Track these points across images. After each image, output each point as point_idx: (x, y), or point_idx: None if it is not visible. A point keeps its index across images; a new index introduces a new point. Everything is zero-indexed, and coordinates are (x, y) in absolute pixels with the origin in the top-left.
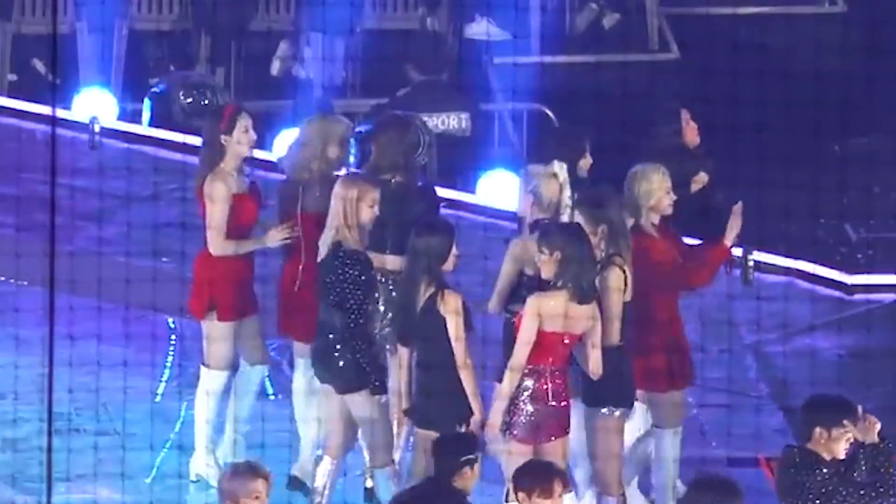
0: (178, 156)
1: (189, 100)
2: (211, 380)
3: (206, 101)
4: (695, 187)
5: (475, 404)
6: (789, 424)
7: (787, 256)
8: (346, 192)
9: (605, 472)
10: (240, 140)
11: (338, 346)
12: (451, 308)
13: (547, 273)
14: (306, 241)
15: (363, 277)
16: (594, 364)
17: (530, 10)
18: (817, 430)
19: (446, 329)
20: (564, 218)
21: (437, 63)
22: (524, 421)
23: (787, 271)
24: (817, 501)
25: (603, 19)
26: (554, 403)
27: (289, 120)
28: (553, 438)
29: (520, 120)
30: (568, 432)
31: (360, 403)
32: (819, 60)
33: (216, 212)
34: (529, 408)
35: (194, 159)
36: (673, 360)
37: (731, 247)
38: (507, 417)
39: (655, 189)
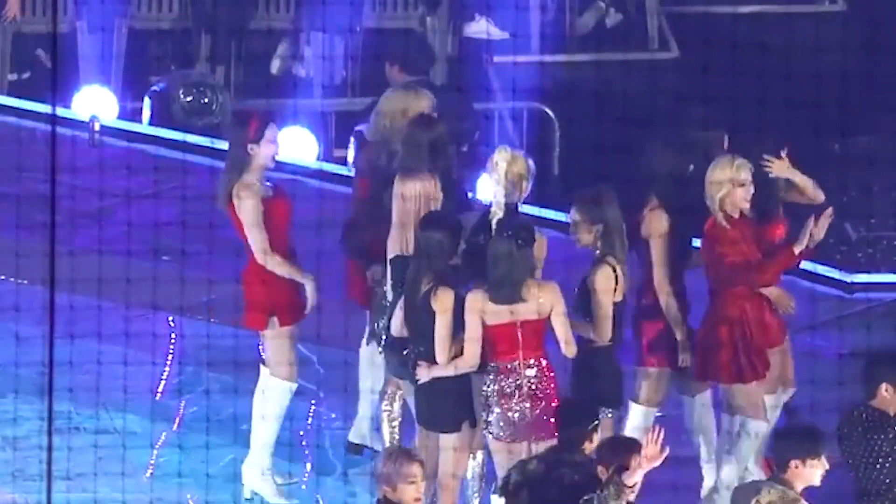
0: (178, 154)
1: (189, 98)
2: (280, 390)
3: (206, 100)
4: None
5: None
6: (789, 422)
7: None
8: (422, 189)
9: None
10: (267, 150)
11: None
12: (440, 305)
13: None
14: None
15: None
16: (564, 346)
17: (530, 9)
18: (883, 385)
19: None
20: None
21: (421, 62)
22: (499, 422)
23: (788, 270)
24: (889, 459)
25: (605, 18)
26: (534, 403)
27: (289, 118)
28: (538, 439)
29: (520, 119)
30: (553, 435)
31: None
32: (819, 59)
33: (256, 233)
34: (505, 406)
35: (194, 158)
36: (745, 354)
37: (801, 252)
38: (487, 416)
39: (726, 181)
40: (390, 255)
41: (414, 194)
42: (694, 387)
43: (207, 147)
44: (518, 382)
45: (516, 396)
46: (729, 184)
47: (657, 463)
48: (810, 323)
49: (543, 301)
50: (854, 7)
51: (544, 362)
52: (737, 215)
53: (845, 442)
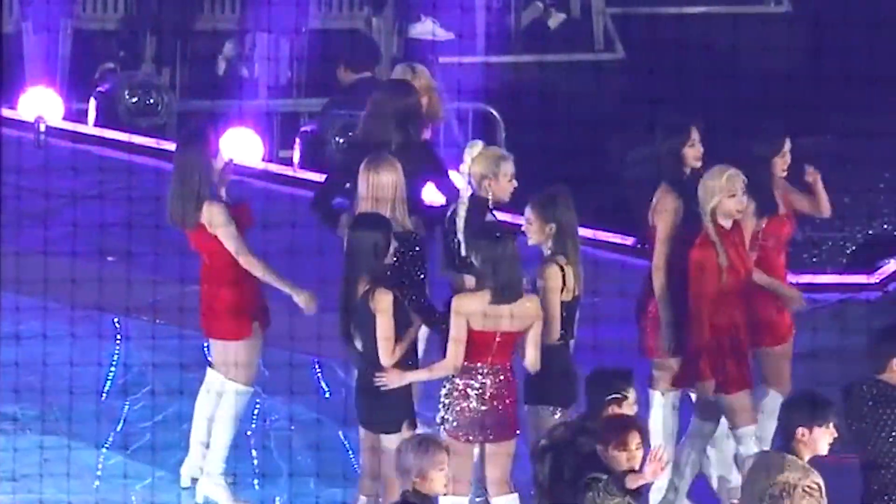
0: (123, 155)
1: (134, 99)
2: (241, 399)
3: (152, 101)
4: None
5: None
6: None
7: None
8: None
9: None
10: (223, 160)
11: None
12: (378, 306)
13: (476, 275)
14: None
15: None
16: (529, 361)
17: (475, 9)
18: (894, 360)
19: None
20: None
21: (366, 60)
22: (457, 419)
23: None
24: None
25: (548, 19)
26: (493, 404)
27: (234, 119)
28: (496, 439)
29: (465, 120)
30: (515, 434)
31: None
32: (764, 60)
33: (233, 239)
34: (464, 406)
35: (140, 159)
36: (733, 362)
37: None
38: (445, 414)
39: (718, 190)
40: None
41: (389, 182)
42: (662, 384)
43: (153, 148)
44: (481, 384)
45: (476, 398)
46: (720, 193)
47: (660, 476)
48: None
49: (526, 313)
50: (799, 8)
51: (509, 367)
52: (729, 225)
53: (853, 415)
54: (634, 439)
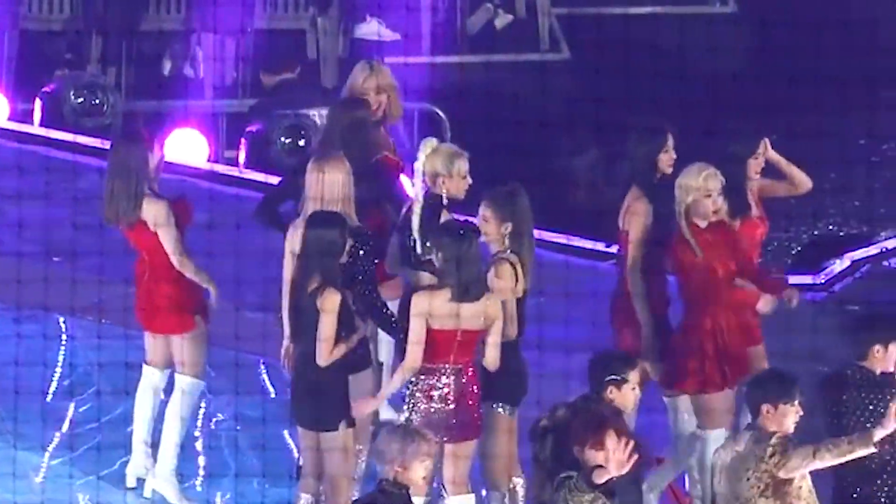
0: (69, 155)
1: (80, 100)
2: (194, 390)
3: (97, 101)
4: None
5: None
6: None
7: None
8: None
9: (493, 470)
10: (158, 156)
11: None
12: (326, 305)
13: (437, 271)
14: None
15: None
16: (489, 361)
17: (421, 10)
18: (875, 347)
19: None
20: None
21: (275, 64)
22: (421, 419)
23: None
24: (880, 417)
25: (495, 19)
26: (457, 404)
27: (179, 120)
28: (459, 439)
29: (411, 120)
30: (478, 435)
31: None
32: (710, 60)
33: (172, 239)
34: (425, 406)
35: (85, 159)
36: (713, 363)
37: (782, 290)
38: (409, 414)
39: (693, 189)
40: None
41: (338, 180)
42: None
43: (98, 148)
44: (444, 385)
45: (439, 398)
46: (696, 192)
47: (625, 469)
48: None
49: (485, 312)
50: (744, 9)
51: (471, 368)
52: (704, 224)
53: (834, 402)
54: (611, 438)
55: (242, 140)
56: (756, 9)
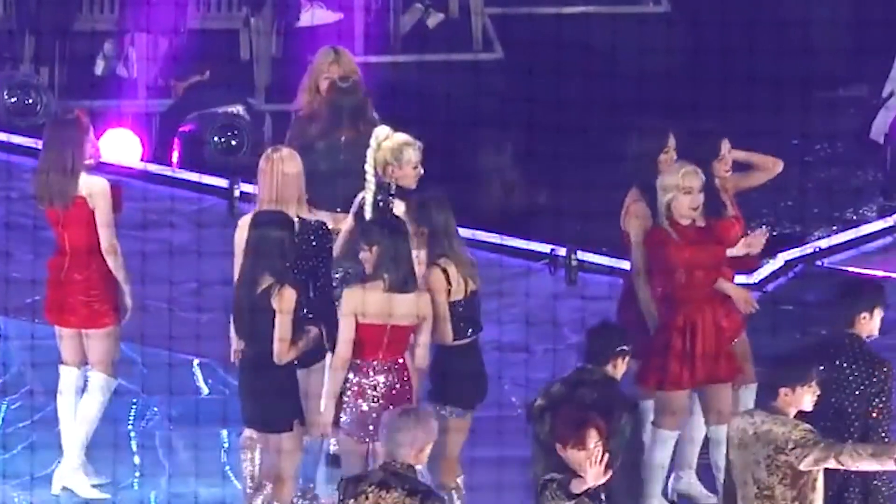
0: (1, 155)
1: (13, 99)
2: (106, 387)
3: (30, 101)
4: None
5: (325, 401)
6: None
7: (611, 256)
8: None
9: (439, 469)
10: (93, 146)
11: None
12: (283, 304)
13: (368, 268)
14: None
15: None
16: (417, 359)
17: (354, 9)
18: (862, 314)
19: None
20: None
21: (192, 68)
22: (352, 418)
23: (612, 271)
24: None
25: (427, 19)
26: (387, 402)
27: (113, 119)
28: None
29: None
30: None
31: None
32: (642, 60)
33: (108, 212)
34: (355, 404)
35: (19, 159)
36: (676, 361)
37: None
38: (342, 414)
39: (672, 186)
40: None
41: (294, 172)
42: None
43: (31, 148)
44: (374, 381)
45: (370, 396)
46: (675, 190)
47: (602, 480)
48: None
49: (413, 307)
50: (678, 8)
51: (403, 364)
52: (685, 222)
53: (828, 366)
54: (593, 437)
55: (176, 139)
56: (689, 8)
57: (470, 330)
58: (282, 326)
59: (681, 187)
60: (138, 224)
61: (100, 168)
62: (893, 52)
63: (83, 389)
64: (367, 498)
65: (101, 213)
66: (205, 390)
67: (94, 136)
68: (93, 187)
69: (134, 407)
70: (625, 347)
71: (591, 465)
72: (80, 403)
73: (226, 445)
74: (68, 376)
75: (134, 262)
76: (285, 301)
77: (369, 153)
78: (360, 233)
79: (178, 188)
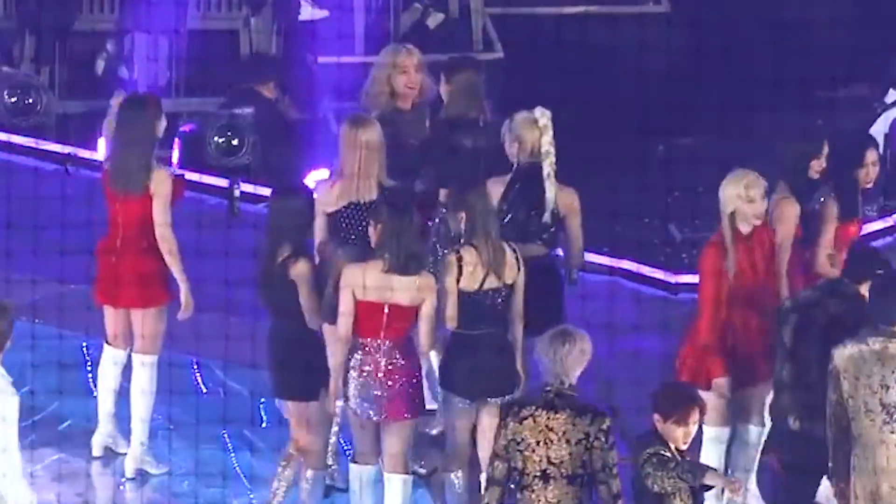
0: (2, 155)
1: (13, 99)
2: (153, 364)
3: (31, 101)
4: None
5: (332, 375)
6: (615, 424)
7: (611, 256)
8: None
9: (447, 450)
10: (162, 126)
11: None
12: (300, 275)
13: (374, 243)
14: None
15: None
16: (422, 338)
17: (355, 10)
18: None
19: (295, 297)
20: (546, 162)
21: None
22: (354, 395)
23: (612, 271)
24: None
25: (427, 19)
26: (386, 382)
27: None
28: (389, 418)
29: (343, 119)
30: (411, 416)
31: None
32: (643, 60)
33: (166, 204)
34: (358, 382)
35: (19, 159)
36: (710, 358)
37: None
38: (346, 391)
39: (735, 197)
40: None
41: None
42: None
43: (32, 148)
44: (374, 361)
45: (373, 375)
46: (738, 200)
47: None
48: (635, 324)
49: (419, 290)
50: (678, 8)
51: (408, 346)
52: (747, 231)
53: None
54: (694, 416)
55: (176, 139)
56: (689, 8)
57: (480, 324)
58: (306, 297)
59: (744, 197)
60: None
61: (100, 168)
62: (893, 52)
63: (124, 368)
64: (534, 421)
65: (160, 200)
66: (203, 389)
67: (164, 118)
68: (157, 174)
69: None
70: (881, 272)
71: (686, 444)
72: (134, 388)
73: (230, 446)
74: (114, 357)
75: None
76: (298, 269)
77: (535, 125)
78: (373, 209)
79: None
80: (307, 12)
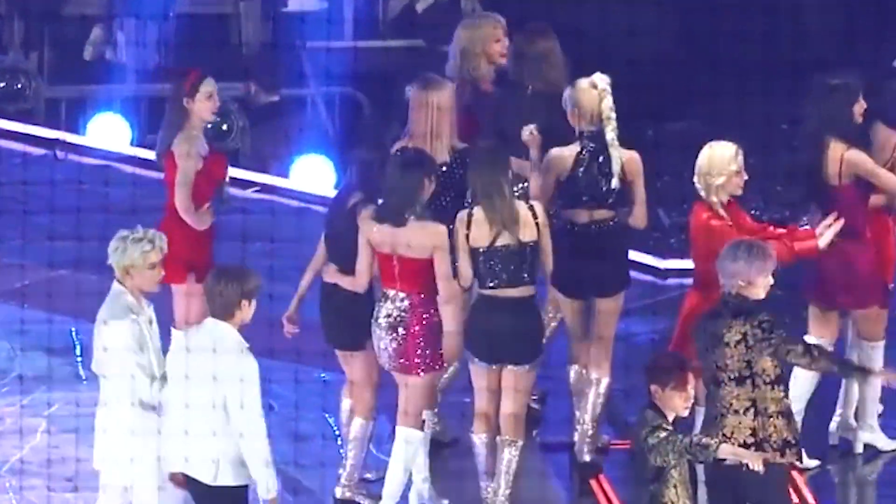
0: None
1: (2, 84)
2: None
3: (20, 86)
4: None
5: None
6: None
7: None
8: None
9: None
10: (202, 104)
11: None
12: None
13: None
14: None
15: None
16: (440, 291)
17: None
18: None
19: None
20: (608, 128)
21: None
22: (375, 342)
23: None
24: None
25: (417, 3)
26: (392, 333)
27: (102, 104)
28: (395, 370)
29: (332, 104)
30: (418, 372)
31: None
32: (633, 44)
33: (182, 190)
34: (374, 330)
35: (8, 144)
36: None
37: (821, 247)
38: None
39: (724, 166)
40: None
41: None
42: None
43: (21, 133)
44: (387, 311)
45: (382, 324)
46: (728, 170)
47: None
48: (624, 308)
49: (420, 241)
50: None
51: (415, 299)
52: (726, 201)
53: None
54: (690, 379)
55: None
56: None
57: (490, 282)
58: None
59: (736, 166)
60: (127, 209)
61: (88, 153)
62: (883, 37)
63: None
64: (701, 330)
65: (180, 171)
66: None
67: (206, 92)
68: (179, 146)
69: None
70: None
71: (687, 409)
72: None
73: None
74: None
75: None
76: (364, 221)
77: (594, 90)
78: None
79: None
80: (297, 3)
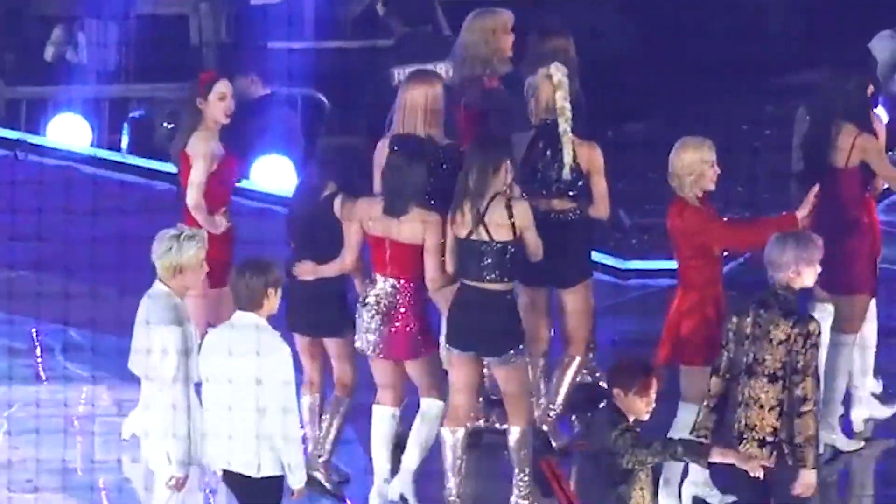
0: None
1: None
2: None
3: None
4: None
5: None
6: (570, 411)
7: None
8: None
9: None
10: (216, 105)
11: None
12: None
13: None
14: None
15: None
16: (427, 272)
17: None
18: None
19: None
20: (561, 118)
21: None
22: (358, 329)
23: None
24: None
25: (377, 4)
26: (380, 319)
27: (63, 105)
28: (382, 356)
29: (294, 105)
30: (406, 357)
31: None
32: (595, 45)
33: (200, 168)
34: (362, 314)
35: None
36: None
37: (800, 218)
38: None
39: (698, 161)
40: None
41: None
42: None
43: None
44: (375, 296)
45: (371, 309)
46: (702, 164)
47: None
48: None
49: (414, 229)
50: None
51: (411, 286)
52: (700, 195)
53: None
54: (654, 386)
55: (125, 125)
56: None
57: (468, 273)
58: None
59: (706, 161)
60: (88, 210)
61: (49, 153)
62: (846, 38)
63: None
64: (748, 315)
65: (193, 171)
66: None
67: (220, 97)
68: (193, 147)
69: (84, 392)
70: None
71: (649, 413)
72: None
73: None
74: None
75: (83, 249)
76: (347, 210)
77: (549, 80)
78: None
79: (128, 174)
80: None
